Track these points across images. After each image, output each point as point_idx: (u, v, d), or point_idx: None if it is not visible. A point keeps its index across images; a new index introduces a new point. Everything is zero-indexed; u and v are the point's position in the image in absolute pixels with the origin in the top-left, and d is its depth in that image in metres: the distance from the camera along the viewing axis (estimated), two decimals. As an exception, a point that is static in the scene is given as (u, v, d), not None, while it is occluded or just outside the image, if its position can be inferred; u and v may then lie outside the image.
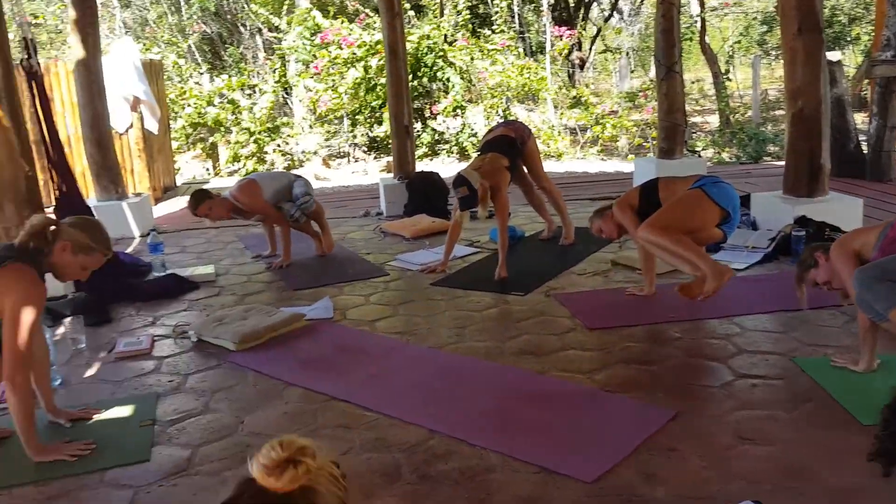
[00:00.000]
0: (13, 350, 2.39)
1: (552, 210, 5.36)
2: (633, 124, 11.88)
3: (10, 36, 4.46)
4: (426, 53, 11.17)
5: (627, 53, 16.84)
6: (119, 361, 3.45)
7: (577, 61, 16.00)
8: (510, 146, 4.87)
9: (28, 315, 2.40)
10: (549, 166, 7.27)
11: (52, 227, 2.57)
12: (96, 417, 2.85)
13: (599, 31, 17.57)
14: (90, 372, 3.36)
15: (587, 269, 4.63)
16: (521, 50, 13.64)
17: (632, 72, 16.58)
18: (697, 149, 11.22)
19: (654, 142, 8.84)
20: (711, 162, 10.47)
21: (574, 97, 12.82)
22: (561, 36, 12.85)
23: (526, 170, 5.15)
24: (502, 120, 10.57)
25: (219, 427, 2.75)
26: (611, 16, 17.70)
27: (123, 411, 2.91)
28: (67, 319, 3.85)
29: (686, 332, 3.48)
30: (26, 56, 4.49)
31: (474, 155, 11.04)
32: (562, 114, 12.71)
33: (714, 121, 13.55)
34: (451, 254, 4.76)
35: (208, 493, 2.31)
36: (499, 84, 11.59)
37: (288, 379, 3.12)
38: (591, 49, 17.16)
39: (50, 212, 4.47)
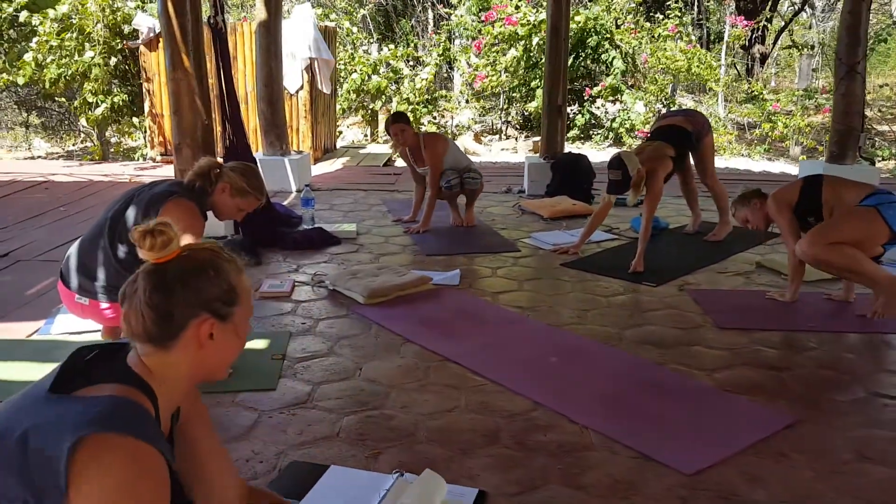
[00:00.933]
0: None
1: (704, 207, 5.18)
2: (806, 125, 11.08)
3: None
4: (591, 34, 10.98)
5: (812, 48, 15.63)
6: (262, 300, 3.75)
7: (757, 55, 15.09)
8: (683, 138, 4.67)
9: (187, 241, 2.69)
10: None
11: (217, 170, 2.84)
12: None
13: (787, 24, 16.43)
14: (236, 306, 3.68)
15: (728, 268, 4.43)
16: (693, 37, 13.05)
17: (814, 70, 15.38)
18: (875, 157, 10.29)
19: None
20: (891, 174, 9.59)
21: (747, 91, 12.13)
22: (735, 24, 12.17)
23: (693, 164, 4.99)
24: (677, 108, 10.20)
25: (339, 370, 2.94)
26: (801, 10, 16.50)
27: (260, 344, 3.18)
28: (223, 257, 4.22)
29: (824, 343, 3.28)
30: (213, 14, 4.90)
31: (631, 143, 10.85)
32: (731, 108, 12.07)
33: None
34: (587, 238, 4.71)
35: (322, 424, 2.49)
36: (664, 69, 11.19)
37: (407, 335, 3.26)
38: (774, 44, 16.09)
39: (220, 160, 4.90)
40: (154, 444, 1.11)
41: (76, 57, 8.67)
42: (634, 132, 10.90)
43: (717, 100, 12.39)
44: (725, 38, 12.99)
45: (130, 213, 2.74)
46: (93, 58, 8.62)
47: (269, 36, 6.44)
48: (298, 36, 8.13)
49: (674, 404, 2.68)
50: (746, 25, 12.42)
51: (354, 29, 13.67)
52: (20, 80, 8.79)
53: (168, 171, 7.23)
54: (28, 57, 8.67)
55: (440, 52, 12.08)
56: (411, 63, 12.61)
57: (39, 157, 11.55)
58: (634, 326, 3.47)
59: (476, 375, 2.89)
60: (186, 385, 1.26)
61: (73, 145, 12.49)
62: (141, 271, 1.21)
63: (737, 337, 3.32)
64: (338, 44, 11.17)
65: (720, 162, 9.67)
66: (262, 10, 6.41)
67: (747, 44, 14.49)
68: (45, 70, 8.69)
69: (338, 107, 10.78)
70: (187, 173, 2.90)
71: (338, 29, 11.71)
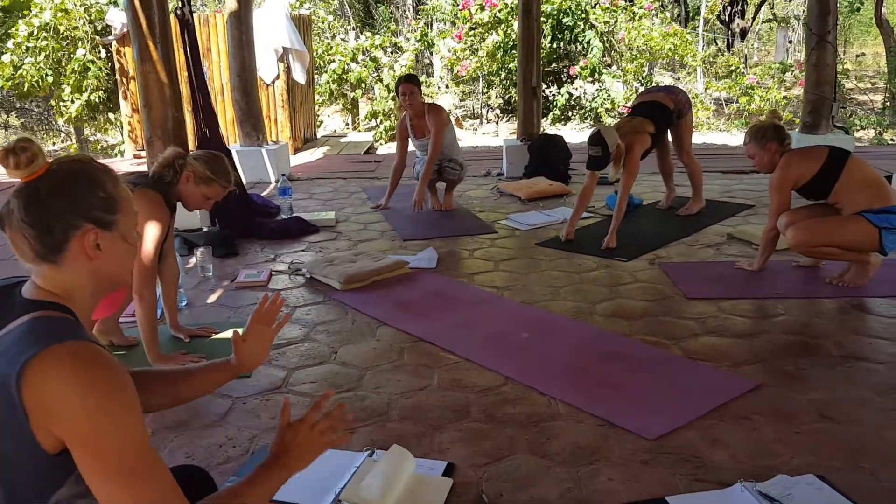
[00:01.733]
0: (139, 265, 2.71)
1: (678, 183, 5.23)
2: (783, 98, 11.15)
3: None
4: (567, 14, 10.98)
5: (789, 22, 15.68)
6: (239, 290, 3.78)
7: (737, 30, 15.12)
8: (663, 114, 4.70)
9: (151, 232, 2.73)
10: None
11: (181, 160, 2.86)
12: (213, 336, 3.17)
13: (767, -2, 16.44)
14: (213, 297, 3.71)
15: (700, 240, 4.49)
16: (669, 14, 13.07)
17: (790, 43, 15.44)
18: (852, 126, 10.38)
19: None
20: (870, 142, 9.68)
21: (726, 66, 12.18)
22: (713, -4, 12.19)
23: (671, 140, 5.02)
24: (662, 85, 10.24)
25: (314, 355, 2.98)
26: (782, -19, 16.50)
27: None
28: (199, 250, 4.23)
29: (792, 308, 3.35)
30: (180, 5, 4.89)
31: (608, 121, 10.87)
32: (709, 83, 12.12)
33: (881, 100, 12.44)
34: (578, 218, 4.61)
35: (295, 408, 2.53)
36: (641, 48, 11.22)
37: (383, 318, 3.31)
38: (754, 18, 16.13)
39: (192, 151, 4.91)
40: (93, 342, 1.13)
41: (62, 56, 8.62)
42: (614, 111, 10.93)
43: (695, 75, 12.44)
44: (702, 12, 13.01)
45: None
46: (85, 55, 8.57)
47: (241, 26, 6.43)
48: (271, 26, 8.10)
49: (639, 373, 2.74)
50: (723, -1, 12.45)
51: (330, 17, 13.62)
52: None
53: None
54: (6, 59, 8.61)
55: (418, 38, 12.07)
56: (390, 50, 12.59)
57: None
58: (605, 300, 3.52)
59: (449, 354, 2.94)
60: (94, 296, 1.25)
61: (53, 145, 12.43)
62: (13, 190, 1.19)
63: (706, 306, 3.39)
64: (314, 33, 11.14)
65: (698, 137, 9.74)
66: (232, 1, 6.38)
67: (727, 18, 14.53)
68: (20, 71, 8.64)
69: (317, 96, 10.76)
70: (153, 165, 2.93)
71: (313, 17, 11.66)
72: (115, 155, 9.72)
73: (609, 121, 10.80)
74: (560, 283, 3.78)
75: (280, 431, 1.35)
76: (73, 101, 8.84)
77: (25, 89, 8.81)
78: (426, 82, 12.20)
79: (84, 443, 1.06)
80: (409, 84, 5.15)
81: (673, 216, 5.07)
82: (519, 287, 3.75)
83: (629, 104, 10.65)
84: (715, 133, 10.61)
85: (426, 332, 3.13)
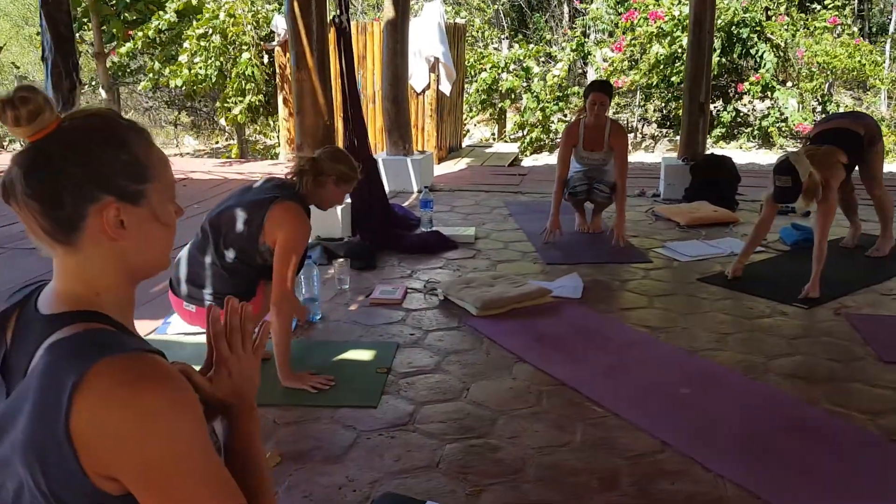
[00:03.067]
0: (282, 279, 2.59)
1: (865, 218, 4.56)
2: None
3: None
4: (741, 26, 10.21)
5: None
6: (373, 307, 3.61)
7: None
8: (853, 143, 4.09)
9: (298, 248, 2.63)
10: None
11: (312, 163, 2.73)
12: (340, 357, 3.01)
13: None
14: (347, 312, 3.57)
15: (895, 289, 3.85)
16: (855, 30, 11.89)
17: None
18: None
19: None
20: None
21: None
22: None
23: (859, 171, 4.34)
24: (840, 111, 9.28)
25: (445, 388, 2.74)
26: None
27: (365, 355, 3.03)
28: (338, 261, 4.14)
29: None
30: (339, 13, 4.85)
31: (782, 143, 9.97)
32: (896, 107, 10.90)
33: None
34: (752, 251, 4.11)
35: (421, 451, 2.30)
36: (821, 65, 10.22)
37: (521, 354, 3.01)
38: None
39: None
40: (143, 350, 0.88)
41: (228, 59, 9.03)
42: (787, 131, 10.03)
43: (880, 98, 11.22)
44: (891, 29, 11.74)
45: (236, 217, 2.67)
46: (249, 59, 8.94)
47: (396, 35, 6.37)
48: (425, 34, 8.04)
49: (830, 454, 2.27)
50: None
51: (485, 26, 13.50)
52: (179, 82, 9.22)
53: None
54: (184, 59, 9.11)
55: (573, 47, 11.67)
56: (543, 59, 12.28)
57: (187, 153, 12.23)
58: (783, 356, 3.03)
59: (595, 405, 2.60)
60: (127, 288, 0.98)
61: (217, 143, 13.15)
62: (13, 155, 0.93)
63: (909, 375, 2.83)
64: (467, 41, 11.04)
65: (885, 167, 8.71)
66: (389, 9, 6.34)
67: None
68: (192, 71, 9.11)
69: (465, 105, 10.65)
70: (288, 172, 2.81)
71: (469, 26, 11.58)
72: (272, 157, 10.07)
73: (781, 141, 9.92)
74: (726, 329, 3.32)
75: (210, 390, 1.03)
76: (235, 104, 9.22)
77: (194, 89, 9.29)
78: (579, 93, 11.79)
79: (140, 482, 0.83)
80: (602, 93, 4.66)
81: (860, 257, 4.42)
82: (678, 330, 3.33)
83: (806, 123, 9.73)
84: (904, 161, 9.46)
85: (569, 376, 2.80)
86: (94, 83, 10.29)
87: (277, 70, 8.91)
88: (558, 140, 10.32)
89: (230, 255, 2.67)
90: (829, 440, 2.36)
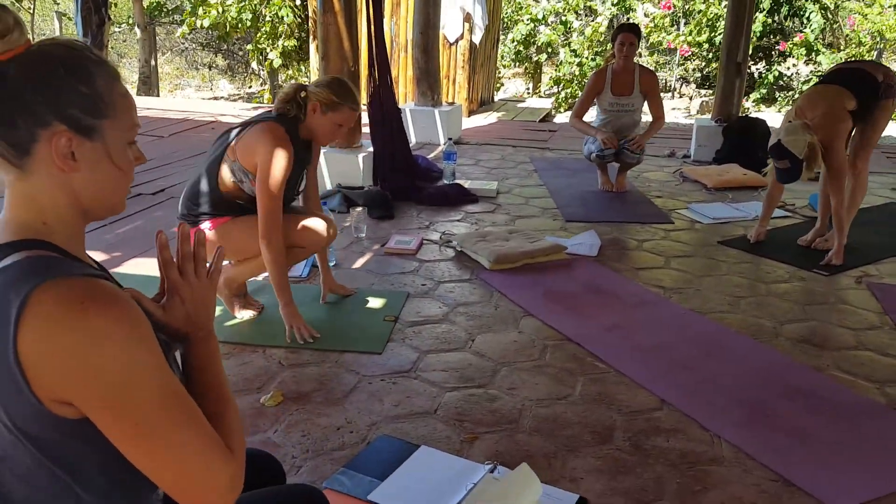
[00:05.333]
0: (264, 211, 2.53)
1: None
2: None
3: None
4: (788, -16, 9.84)
5: None
6: (388, 256, 3.64)
7: None
8: (867, 87, 3.54)
9: (278, 161, 2.50)
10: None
11: (302, 92, 2.64)
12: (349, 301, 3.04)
13: None
14: (361, 261, 3.60)
15: (923, 260, 3.76)
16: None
17: None
18: None
19: None
20: None
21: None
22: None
23: (856, 131, 3.77)
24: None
25: (450, 339, 2.76)
26: None
27: (375, 303, 3.06)
28: (357, 210, 4.15)
29: None
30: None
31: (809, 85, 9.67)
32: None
33: None
34: (768, 220, 3.97)
35: (421, 398, 2.33)
36: (871, 33, 9.82)
37: (529, 308, 3.01)
38: None
39: (363, 108, 4.82)
40: (96, 275, 0.90)
41: (263, 1, 8.97)
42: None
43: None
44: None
45: (230, 137, 2.66)
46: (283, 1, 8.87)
47: (429, -19, 6.25)
48: (462, -18, 7.88)
49: (830, 420, 2.25)
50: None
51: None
52: (206, 23, 9.21)
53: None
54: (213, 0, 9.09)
55: (615, 2, 11.36)
56: (583, 13, 11.99)
57: (222, 97, 12.27)
58: (795, 321, 2.99)
59: (598, 361, 2.60)
60: (75, 224, 0.97)
61: (251, 87, 13.16)
62: None
63: (925, 346, 2.78)
64: (505, -8, 10.80)
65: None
66: (422, -45, 6.22)
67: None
68: (224, 13, 9.08)
69: (499, 58, 10.47)
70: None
71: (506, -24, 11.31)
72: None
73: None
74: (741, 293, 3.28)
75: (164, 317, 1.04)
76: (269, 49, 9.18)
77: (227, 31, 9.27)
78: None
79: (95, 404, 0.84)
80: (631, 34, 4.73)
81: (887, 225, 4.31)
82: (691, 291, 3.30)
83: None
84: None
85: (575, 332, 2.80)
86: (130, 21, 10.33)
87: (310, 15, 8.84)
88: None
89: (226, 168, 2.64)
90: (830, 406, 2.34)
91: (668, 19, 10.61)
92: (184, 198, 2.74)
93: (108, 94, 0.95)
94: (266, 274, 2.83)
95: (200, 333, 1.06)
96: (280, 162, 2.52)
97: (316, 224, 2.76)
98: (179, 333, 1.05)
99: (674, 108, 10.56)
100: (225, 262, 2.82)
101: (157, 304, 1.05)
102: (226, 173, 2.64)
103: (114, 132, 0.96)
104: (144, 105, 8.42)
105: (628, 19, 12.06)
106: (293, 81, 2.83)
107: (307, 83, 2.73)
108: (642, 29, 11.09)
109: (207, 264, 1.09)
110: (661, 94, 5.07)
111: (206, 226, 2.67)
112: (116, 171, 0.97)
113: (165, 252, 1.06)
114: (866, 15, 9.86)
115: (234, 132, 2.67)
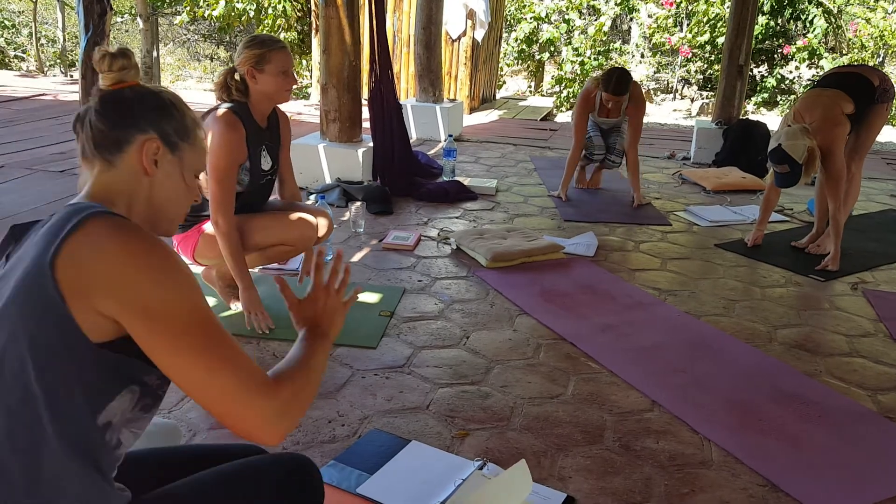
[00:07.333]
0: (211, 193, 2.49)
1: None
2: None
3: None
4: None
5: None
6: (385, 251, 3.64)
7: None
8: (864, 91, 3.58)
9: (217, 152, 2.45)
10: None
11: (232, 73, 2.55)
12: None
13: None
14: (359, 255, 3.60)
15: (920, 267, 3.77)
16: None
17: None
18: None
19: None
20: None
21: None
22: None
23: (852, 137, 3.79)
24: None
25: (445, 335, 2.77)
26: None
27: (371, 298, 3.07)
28: (356, 204, 4.15)
29: None
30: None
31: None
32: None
33: None
34: (766, 222, 3.96)
35: (413, 393, 2.34)
36: (874, 38, 9.82)
37: (524, 306, 3.02)
38: None
39: (364, 102, 4.82)
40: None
41: None
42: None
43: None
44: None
45: None
46: None
47: (432, -23, 6.25)
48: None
49: (821, 426, 2.26)
50: None
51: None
52: (215, 13, 9.16)
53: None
54: None
55: (618, 1, 11.35)
56: (586, 12, 11.98)
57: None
58: (789, 326, 3.00)
59: (591, 361, 2.61)
60: (146, 224, 1.15)
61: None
62: (94, 95, 1.17)
63: (917, 354, 2.78)
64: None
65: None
66: (427, -50, 6.22)
67: None
68: (229, 4, 9.07)
69: (502, 55, 10.46)
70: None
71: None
72: (303, 98, 10.04)
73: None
74: (736, 297, 3.29)
75: (298, 308, 1.25)
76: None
77: (229, 23, 9.25)
78: (620, 49, 11.50)
79: (138, 311, 0.96)
80: (615, 96, 4.46)
81: (883, 232, 4.31)
82: (686, 294, 3.31)
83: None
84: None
85: (569, 331, 2.81)
86: (132, 11, 10.31)
87: (313, 8, 8.83)
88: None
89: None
90: (822, 412, 2.35)
91: (671, 20, 10.59)
92: None
93: (193, 128, 1.19)
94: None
95: (318, 331, 1.23)
96: (221, 147, 2.46)
97: (304, 222, 2.74)
98: (303, 323, 1.24)
99: (675, 110, 10.55)
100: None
101: (295, 297, 1.25)
102: None
103: (190, 155, 1.19)
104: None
105: (631, 19, 12.07)
106: (221, 69, 2.74)
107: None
108: (644, 30, 11.11)
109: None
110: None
111: (206, 226, 2.68)
112: (184, 186, 1.19)
113: (319, 259, 1.30)
114: (869, 20, 9.87)
115: None
